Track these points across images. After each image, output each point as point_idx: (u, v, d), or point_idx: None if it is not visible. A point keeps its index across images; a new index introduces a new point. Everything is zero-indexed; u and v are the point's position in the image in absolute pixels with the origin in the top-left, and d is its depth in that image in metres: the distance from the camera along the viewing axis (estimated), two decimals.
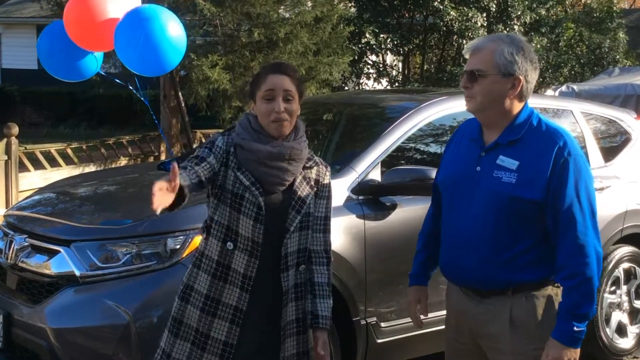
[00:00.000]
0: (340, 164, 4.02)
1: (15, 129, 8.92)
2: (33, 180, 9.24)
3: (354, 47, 14.10)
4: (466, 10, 14.39)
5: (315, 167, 2.80)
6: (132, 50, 5.17)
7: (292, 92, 2.67)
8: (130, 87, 5.83)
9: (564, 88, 11.04)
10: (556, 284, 2.60)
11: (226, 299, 2.66)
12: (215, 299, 2.67)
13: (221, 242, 2.67)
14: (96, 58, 5.56)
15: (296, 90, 2.70)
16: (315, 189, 2.77)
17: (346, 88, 15.39)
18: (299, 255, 2.73)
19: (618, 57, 16.67)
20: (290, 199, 2.69)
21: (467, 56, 2.64)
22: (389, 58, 17.02)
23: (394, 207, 3.95)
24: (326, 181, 2.81)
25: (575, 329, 2.46)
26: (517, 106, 2.59)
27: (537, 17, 15.43)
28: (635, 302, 4.94)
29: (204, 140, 11.75)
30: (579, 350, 2.51)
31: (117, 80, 5.95)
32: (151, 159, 12.10)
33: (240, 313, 2.65)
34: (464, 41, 14.41)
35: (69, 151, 10.75)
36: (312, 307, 2.78)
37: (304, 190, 2.72)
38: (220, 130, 3.16)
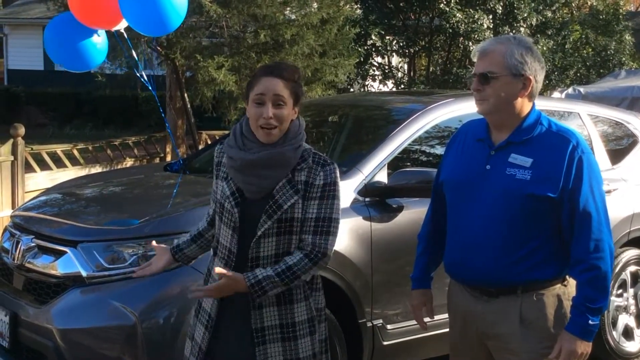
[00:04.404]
0: (346, 165, 4.02)
1: (22, 130, 8.90)
2: (39, 181, 9.22)
3: (359, 49, 14.06)
4: (472, 12, 14.37)
5: (307, 169, 2.60)
6: (138, 7, 5.28)
7: (283, 97, 2.55)
8: (143, 80, 5.87)
9: (570, 90, 10.99)
10: (564, 282, 2.63)
11: (205, 305, 2.70)
12: (204, 307, 2.71)
13: (213, 249, 2.73)
14: (100, 49, 5.66)
15: (290, 94, 2.57)
16: (302, 191, 2.58)
17: (352, 90, 15.38)
18: (276, 260, 2.58)
19: (624, 59, 16.63)
20: (266, 203, 2.57)
21: (475, 59, 2.66)
22: (395, 60, 17.00)
23: (400, 209, 3.95)
24: (318, 182, 2.59)
25: (590, 322, 2.49)
26: (527, 106, 2.63)
27: (544, 20, 15.40)
28: None
29: (209, 142, 11.77)
30: (591, 343, 2.53)
31: (133, 60, 6.03)
32: (157, 160, 12.10)
33: (211, 319, 2.65)
34: (470, 43, 14.39)
35: (75, 152, 10.73)
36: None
37: (284, 195, 2.56)
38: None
